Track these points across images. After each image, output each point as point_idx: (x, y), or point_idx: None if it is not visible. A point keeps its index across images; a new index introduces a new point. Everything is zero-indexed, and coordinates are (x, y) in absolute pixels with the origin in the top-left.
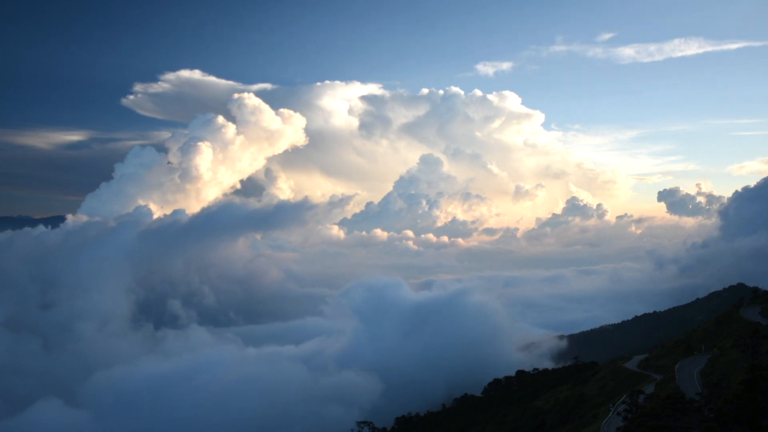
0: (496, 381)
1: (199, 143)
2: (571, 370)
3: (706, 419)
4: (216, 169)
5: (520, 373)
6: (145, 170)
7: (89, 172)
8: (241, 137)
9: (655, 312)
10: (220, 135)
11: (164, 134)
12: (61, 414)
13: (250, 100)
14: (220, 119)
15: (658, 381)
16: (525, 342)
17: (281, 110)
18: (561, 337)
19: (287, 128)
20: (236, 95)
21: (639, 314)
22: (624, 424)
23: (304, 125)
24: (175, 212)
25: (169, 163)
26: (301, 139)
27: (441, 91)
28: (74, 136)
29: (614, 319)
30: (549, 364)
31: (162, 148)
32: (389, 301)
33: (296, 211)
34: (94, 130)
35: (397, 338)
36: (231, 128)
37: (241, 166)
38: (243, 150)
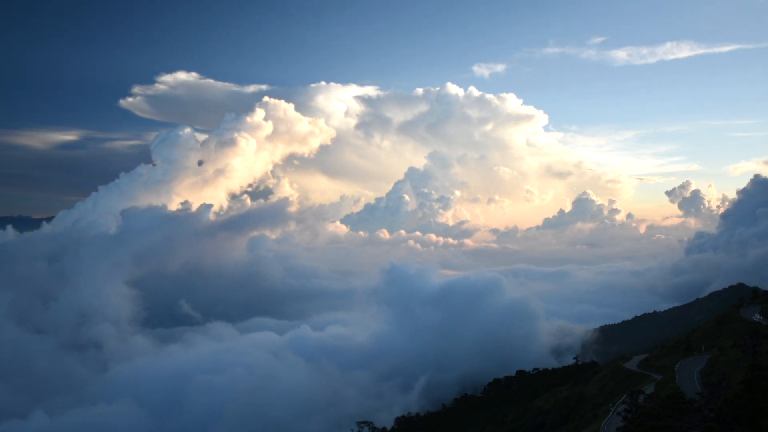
0: (496, 381)
1: (236, 139)
2: (571, 370)
3: (706, 419)
4: (241, 168)
5: (520, 373)
6: (171, 164)
7: (88, 173)
8: (273, 140)
9: (655, 312)
10: (253, 134)
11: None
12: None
13: (278, 104)
14: (254, 118)
15: (658, 381)
16: (549, 332)
17: (307, 116)
18: (593, 330)
19: (314, 131)
20: (265, 99)
21: (639, 314)
22: (624, 424)
23: (333, 134)
24: (203, 207)
25: (201, 162)
26: (327, 142)
27: (437, 88)
28: (71, 137)
29: (617, 316)
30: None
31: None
32: (417, 289)
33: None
34: (91, 131)
35: (425, 327)
36: (267, 127)
37: (263, 167)
38: (269, 151)
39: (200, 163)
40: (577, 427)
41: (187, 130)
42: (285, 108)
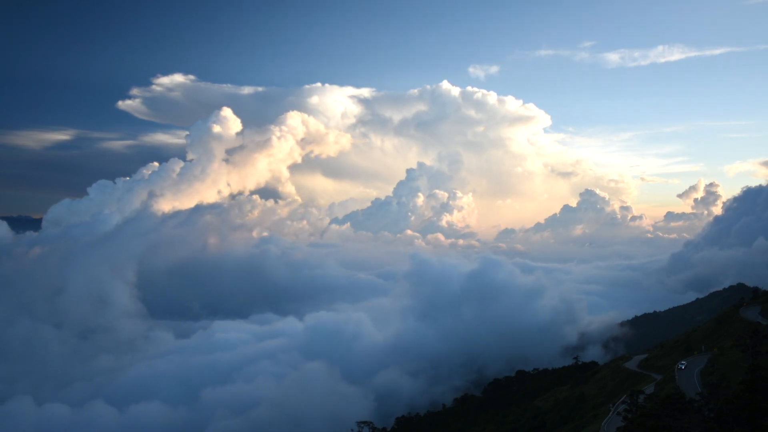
0: (496, 381)
1: (270, 141)
2: (571, 370)
3: (706, 419)
4: (264, 169)
5: (520, 373)
6: (201, 161)
7: (86, 172)
8: (299, 146)
9: (655, 312)
10: (283, 139)
11: (159, 136)
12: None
13: (302, 117)
14: (289, 122)
15: (658, 381)
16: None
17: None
18: (623, 324)
19: (339, 139)
20: (291, 112)
21: (639, 314)
22: (624, 424)
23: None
24: (216, 205)
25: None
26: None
27: (434, 86)
28: (67, 137)
29: (627, 312)
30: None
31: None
32: (441, 281)
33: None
34: (87, 131)
35: (449, 320)
36: (298, 133)
37: (282, 170)
38: (293, 155)
39: (226, 161)
40: (577, 427)
41: (235, 120)
42: (310, 121)
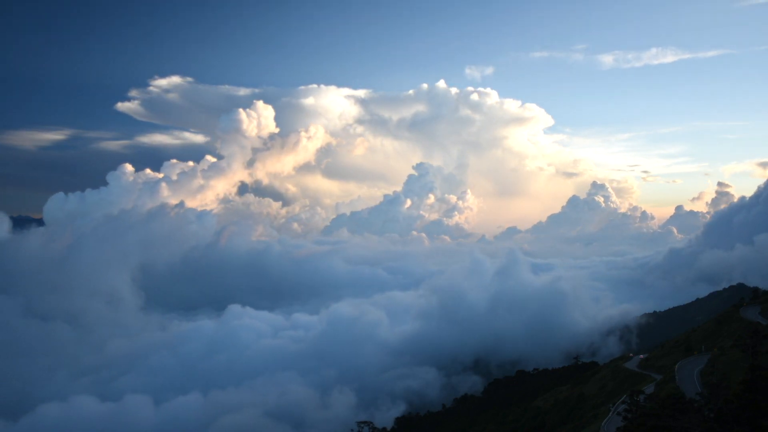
0: (496, 381)
1: (296, 146)
2: (571, 370)
3: (706, 419)
4: (278, 170)
5: (520, 373)
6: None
7: (83, 172)
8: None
9: (655, 312)
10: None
11: (156, 137)
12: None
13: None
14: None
15: (658, 381)
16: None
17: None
18: (642, 316)
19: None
20: (310, 125)
21: (639, 314)
22: (624, 424)
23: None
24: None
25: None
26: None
27: (425, 85)
28: (63, 137)
29: (632, 309)
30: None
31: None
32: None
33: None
34: (84, 130)
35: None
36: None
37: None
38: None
39: (250, 162)
40: (577, 427)
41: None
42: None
